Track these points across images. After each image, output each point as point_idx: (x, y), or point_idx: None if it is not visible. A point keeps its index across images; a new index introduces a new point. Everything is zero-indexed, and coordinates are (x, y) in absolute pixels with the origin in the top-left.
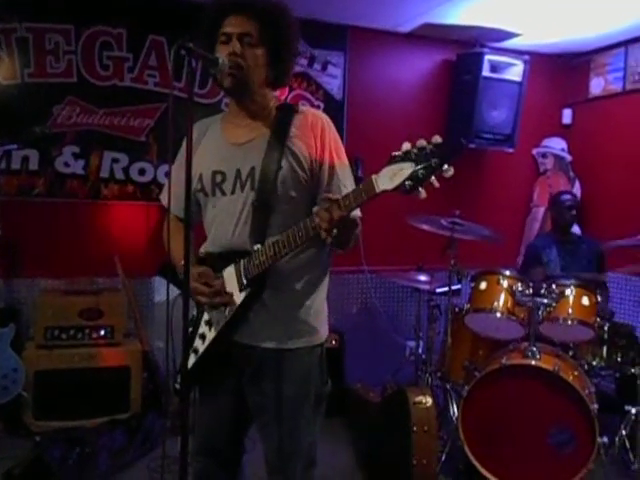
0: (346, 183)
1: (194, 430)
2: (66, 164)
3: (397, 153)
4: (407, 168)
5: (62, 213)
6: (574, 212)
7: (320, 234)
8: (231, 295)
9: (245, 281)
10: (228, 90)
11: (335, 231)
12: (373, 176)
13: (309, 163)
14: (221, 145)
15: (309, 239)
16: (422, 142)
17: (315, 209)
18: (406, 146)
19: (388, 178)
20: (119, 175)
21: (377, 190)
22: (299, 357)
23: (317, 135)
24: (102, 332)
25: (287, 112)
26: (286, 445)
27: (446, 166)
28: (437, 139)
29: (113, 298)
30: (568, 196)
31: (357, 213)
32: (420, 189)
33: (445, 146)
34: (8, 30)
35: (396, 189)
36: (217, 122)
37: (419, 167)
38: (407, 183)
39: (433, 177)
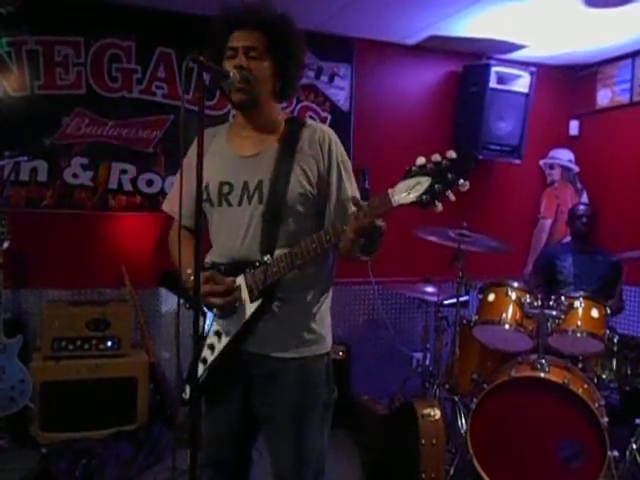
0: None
1: (201, 442)
2: (74, 175)
3: (412, 167)
4: (424, 182)
5: (70, 224)
6: (585, 220)
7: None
8: (241, 291)
9: (256, 292)
10: (238, 104)
11: (362, 240)
12: (389, 190)
13: (316, 178)
14: (228, 156)
15: (331, 246)
16: (437, 157)
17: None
18: (421, 160)
19: (405, 192)
20: (127, 186)
21: (393, 204)
22: (307, 366)
23: (325, 150)
24: (109, 343)
25: (295, 126)
26: (296, 455)
27: (462, 180)
28: (452, 154)
29: (120, 309)
30: (581, 206)
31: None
32: (437, 203)
33: (461, 161)
34: (18, 42)
35: (413, 203)
36: (223, 132)
37: (436, 181)
38: (424, 197)
39: (449, 191)
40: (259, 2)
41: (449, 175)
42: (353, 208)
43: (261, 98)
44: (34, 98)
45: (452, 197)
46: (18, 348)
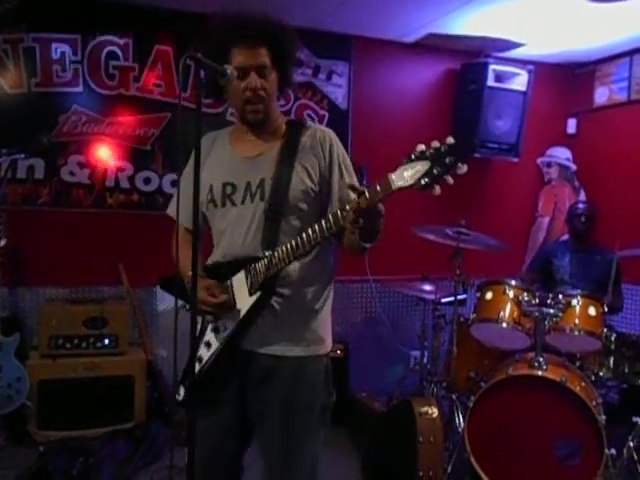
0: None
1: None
2: (71, 173)
3: (413, 153)
4: (423, 166)
5: (67, 222)
6: (583, 219)
7: (347, 224)
8: (237, 310)
9: (256, 285)
10: (253, 123)
11: (361, 220)
12: (389, 174)
13: (318, 176)
14: (231, 158)
15: (332, 235)
16: (436, 143)
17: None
18: (421, 147)
19: (404, 176)
20: (124, 184)
21: (393, 187)
22: (304, 366)
23: (326, 150)
24: (106, 341)
25: (296, 127)
26: (289, 457)
27: (460, 164)
28: (450, 140)
29: (117, 307)
30: (580, 205)
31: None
32: (435, 186)
33: (459, 146)
34: (15, 40)
35: (412, 186)
36: (225, 135)
37: (435, 165)
38: (423, 180)
39: (448, 174)
40: (259, 14)
41: (447, 159)
42: (353, 195)
43: (271, 110)
44: (31, 96)
45: (450, 180)
46: (15, 346)
